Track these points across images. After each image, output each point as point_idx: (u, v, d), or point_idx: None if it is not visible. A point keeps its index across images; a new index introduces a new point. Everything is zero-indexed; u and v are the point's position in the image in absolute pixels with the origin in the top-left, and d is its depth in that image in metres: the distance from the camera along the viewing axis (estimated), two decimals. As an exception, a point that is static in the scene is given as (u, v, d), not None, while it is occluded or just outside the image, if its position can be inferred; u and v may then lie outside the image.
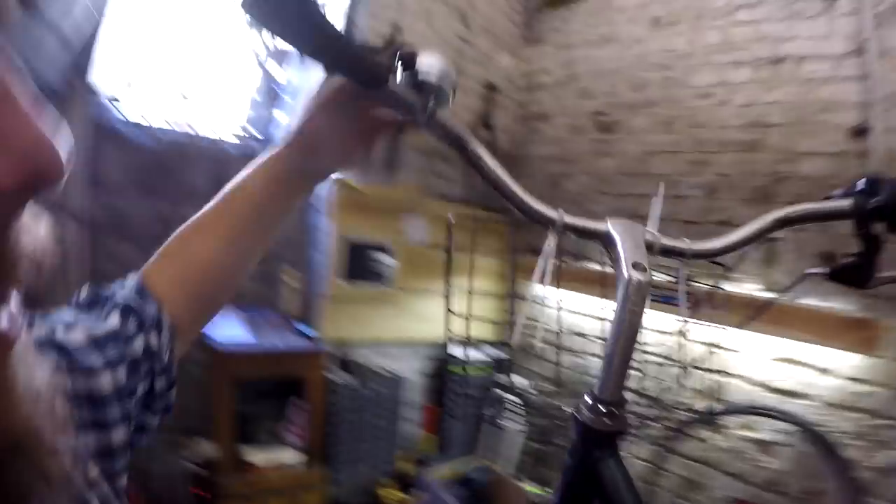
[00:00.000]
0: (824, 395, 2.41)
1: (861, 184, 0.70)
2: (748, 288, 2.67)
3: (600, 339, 3.05)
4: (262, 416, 2.85)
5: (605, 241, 0.66)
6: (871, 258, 0.71)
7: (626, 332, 0.58)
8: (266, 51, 3.15)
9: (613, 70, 3.35)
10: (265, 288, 3.18)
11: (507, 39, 3.77)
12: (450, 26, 3.43)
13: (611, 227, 0.65)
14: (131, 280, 0.61)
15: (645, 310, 0.58)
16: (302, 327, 2.97)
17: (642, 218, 0.72)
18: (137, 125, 2.77)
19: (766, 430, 2.56)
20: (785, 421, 2.43)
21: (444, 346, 3.22)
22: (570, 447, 0.62)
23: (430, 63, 0.60)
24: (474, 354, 3.38)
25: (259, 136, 3.20)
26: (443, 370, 3.38)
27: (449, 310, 2.60)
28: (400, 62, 0.60)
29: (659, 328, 2.82)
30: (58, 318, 0.51)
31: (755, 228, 0.74)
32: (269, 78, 3.21)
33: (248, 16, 0.47)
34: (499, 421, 3.35)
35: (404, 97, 0.59)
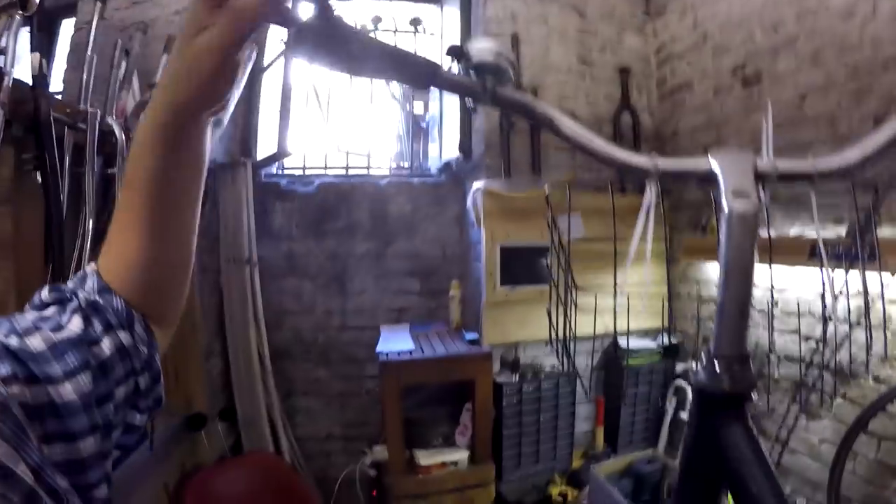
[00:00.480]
0: None
1: None
2: None
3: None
4: (433, 420, 3.06)
5: (709, 179, 0.60)
6: None
7: (736, 275, 0.52)
8: (402, 90, 3.47)
9: (744, 16, 3.00)
10: (432, 303, 3.44)
11: (628, 19, 3.61)
12: (567, 22, 3.43)
13: (713, 161, 0.60)
14: (90, 274, 0.58)
15: (755, 243, 0.52)
16: (468, 334, 3.14)
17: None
18: (298, 177, 3.26)
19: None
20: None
21: (612, 338, 3.15)
22: (689, 416, 0.57)
23: (480, 48, 0.62)
24: (643, 343, 3.23)
25: (407, 167, 3.51)
26: (612, 362, 3.29)
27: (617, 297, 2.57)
28: (450, 56, 0.64)
29: (841, 289, 2.52)
30: (15, 323, 0.48)
31: (882, 139, 0.61)
32: (409, 113, 3.53)
33: (295, 52, 0.53)
34: (673, 410, 3.15)
35: (460, 82, 0.63)
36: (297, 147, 3.05)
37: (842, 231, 2.51)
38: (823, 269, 2.37)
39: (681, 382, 3.17)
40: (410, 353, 2.91)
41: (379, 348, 2.96)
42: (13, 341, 0.45)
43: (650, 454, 3.07)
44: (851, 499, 2.40)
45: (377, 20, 3.38)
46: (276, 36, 2.86)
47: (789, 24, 2.81)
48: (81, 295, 0.54)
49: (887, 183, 2.28)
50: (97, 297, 0.55)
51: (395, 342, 3.04)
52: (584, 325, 3.16)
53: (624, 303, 2.79)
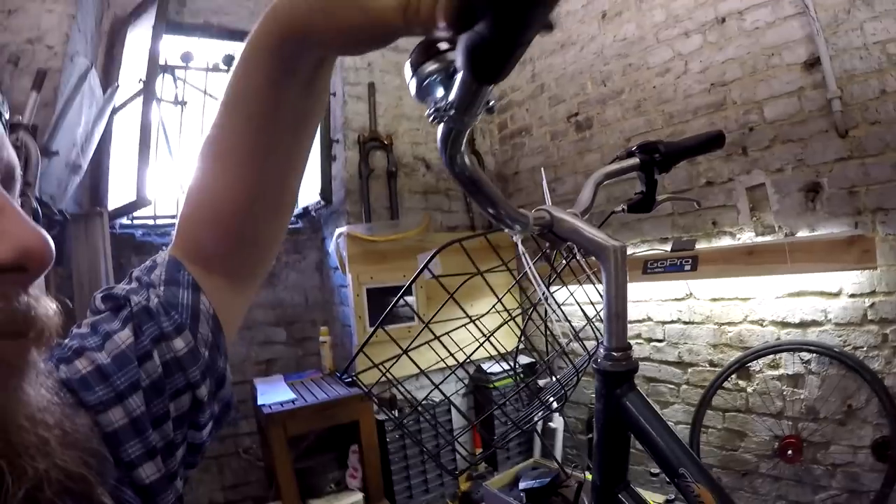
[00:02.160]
0: (837, 316, 2.42)
1: (638, 147, 1.00)
2: (744, 237, 2.70)
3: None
4: (323, 468, 2.94)
5: (554, 225, 0.75)
6: (651, 192, 1.01)
7: (619, 289, 0.68)
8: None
9: (577, 71, 3.35)
10: (300, 351, 3.32)
11: None
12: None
13: (553, 213, 0.74)
14: (160, 262, 0.54)
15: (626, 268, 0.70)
16: (344, 377, 3.07)
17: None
18: (152, 227, 2.98)
19: (792, 365, 2.55)
20: (808, 351, 2.47)
21: (477, 364, 3.27)
22: (597, 394, 0.72)
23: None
24: (506, 366, 3.40)
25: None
26: (479, 388, 3.42)
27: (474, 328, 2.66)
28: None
29: (670, 296, 2.88)
30: (66, 347, 0.46)
31: (595, 182, 0.96)
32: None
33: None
34: (542, 422, 3.35)
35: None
36: (154, 195, 2.79)
37: (668, 247, 2.92)
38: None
39: (545, 396, 3.36)
40: (293, 402, 2.77)
41: (260, 401, 2.79)
42: (62, 371, 0.44)
43: (532, 462, 3.20)
44: (711, 465, 2.77)
45: (229, 60, 3.19)
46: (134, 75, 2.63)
47: (616, 78, 3.18)
48: (135, 300, 0.50)
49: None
50: (156, 295, 0.51)
51: (274, 394, 2.88)
52: (449, 356, 3.26)
53: (485, 330, 2.90)
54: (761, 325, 2.65)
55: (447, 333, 1.00)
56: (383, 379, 1.00)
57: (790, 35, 2.51)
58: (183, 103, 3.05)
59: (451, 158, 0.54)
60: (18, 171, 0.39)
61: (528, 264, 1.06)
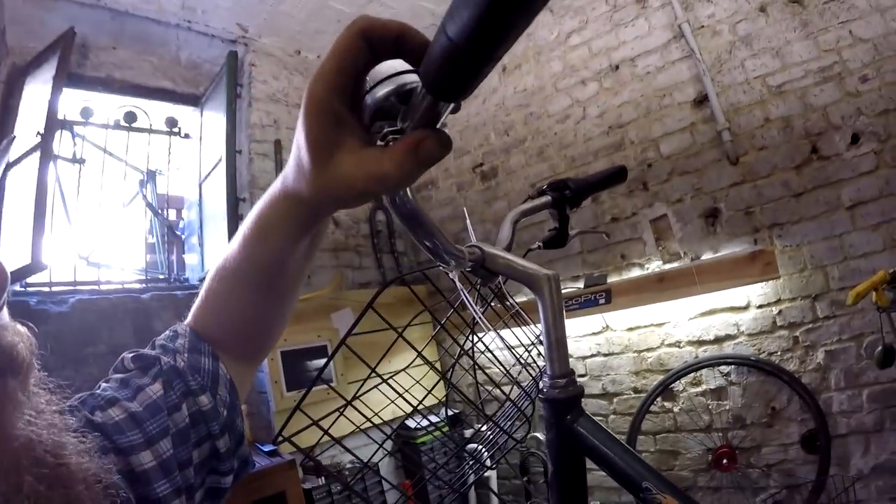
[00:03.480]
0: (749, 328, 2.59)
1: (549, 185, 1.00)
2: (652, 266, 2.82)
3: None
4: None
5: (486, 260, 0.71)
6: (564, 227, 1.01)
7: (556, 316, 0.67)
8: (155, 197, 3.13)
9: (480, 123, 3.46)
10: (215, 421, 3.03)
11: None
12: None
13: (485, 249, 0.70)
14: (182, 332, 0.57)
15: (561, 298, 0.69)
16: (263, 446, 2.83)
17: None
18: (48, 294, 2.67)
19: (713, 379, 2.66)
20: (726, 364, 2.60)
21: (401, 421, 3.12)
22: (546, 424, 0.69)
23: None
24: (431, 419, 3.29)
25: (163, 278, 3.12)
26: (408, 443, 3.28)
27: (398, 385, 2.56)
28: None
29: (588, 331, 2.93)
30: (98, 397, 0.49)
31: (511, 221, 0.94)
32: (164, 220, 3.18)
33: None
34: (473, 472, 3.24)
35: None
36: (50, 259, 2.48)
37: (580, 284, 2.99)
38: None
39: (473, 446, 3.25)
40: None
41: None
42: (97, 416, 0.46)
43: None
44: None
45: (131, 117, 3.00)
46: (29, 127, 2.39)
47: (518, 127, 3.31)
48: (165, 359, 0.53)
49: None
50: (182, 361, 0.54)
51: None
52: (372, 416, 3.12)
53: (404, 385, 2.83)
54: (679, 346, 2.76)
55: (370, 390, 0.94)
56: (309, 444, 0.89)
57: (679, 76, 2.75)
58: (81, 161, 2.80)
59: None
60: None
61: (466, 298, 1.06)
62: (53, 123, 2.35)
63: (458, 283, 1.06)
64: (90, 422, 0.45)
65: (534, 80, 3.24)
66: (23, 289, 2.64)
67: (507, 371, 1.05)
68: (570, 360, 0.67)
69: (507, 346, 1.08)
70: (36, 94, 2.47)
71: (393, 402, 0.97)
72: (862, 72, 2.45)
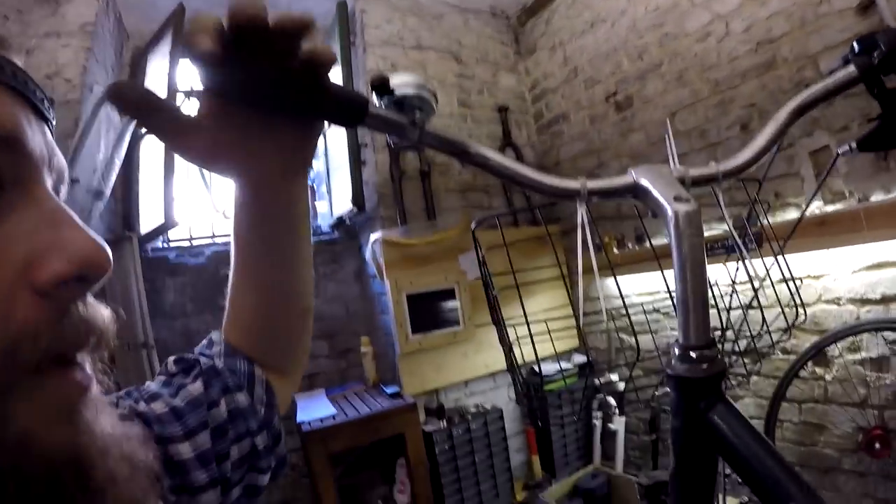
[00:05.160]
0: None
1: (856, 46, 0.66)
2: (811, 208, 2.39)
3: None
4: (369, 484, 2.80)
5: (637, 192, 0.60)
6: (890, 116, 0.66)
7: (693, 269, 0.53)
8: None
9: (611, 49, 3.13)
10: (343, 363, 3.19)
11: (502, 61, 3.70)
12: (445, 68, 3.42)
13: (636, 176, 0.60)
14: (217, 340, 0.61)
15: (703, 240, 0.53)
16: (386, 388, 2.93)
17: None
18: (186, 248, 2.93)
19: (875, 346, 2.22)
20: (892, 329, 2.14)
21: (529, 367, 3.07)
22: (673, 407, 0.56)
23: (403, 80, 0.56)
24: (559, 366, 3.18)
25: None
26: (533, 391, 3.20)
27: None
28: (373, 90, 0.56)
29: (734, 279, 2.60)
30: (143, 391, 0.53)
31: (776, 126, 0.67)
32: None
33: (209, 89, 0.45)
34: (601, 423, 3.10)
35: (389, 119, 0.55)
36: (182, 216, 2.73)
37: (725, 227, 2.62)
38: (746, 260, 2.45)
39: (602, 396, 3.12)
40: (333, 417, 2.64)
41: (299, 418, 2.67)
42: (141, 406, 0.50)
43: (591, 470, 2.96)
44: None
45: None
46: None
47: (653, 50, 2.94)
48: (204, 360, 0.57)
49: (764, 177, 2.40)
50: (220, 362, 0.57)
51: (314, 409, 2.75)
52: (498, 361, 3.09)
53: (536, 331, 2.74)
54: (838, 304, 2.34)
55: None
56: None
57: (839, -22, 2.23)
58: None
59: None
60: (67, 176, 0.40)
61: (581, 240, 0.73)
62: (173, 92, 2.52)
63: (582, 218, 0.77)
64: (134, 410, 0.49)
65: (668, -6, 2.84)
66: (164, 245, 2.92)
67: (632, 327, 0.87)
68: (712, 311, 0.50)
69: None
70: (157, 69, 2.67)
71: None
72: None
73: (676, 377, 0.54)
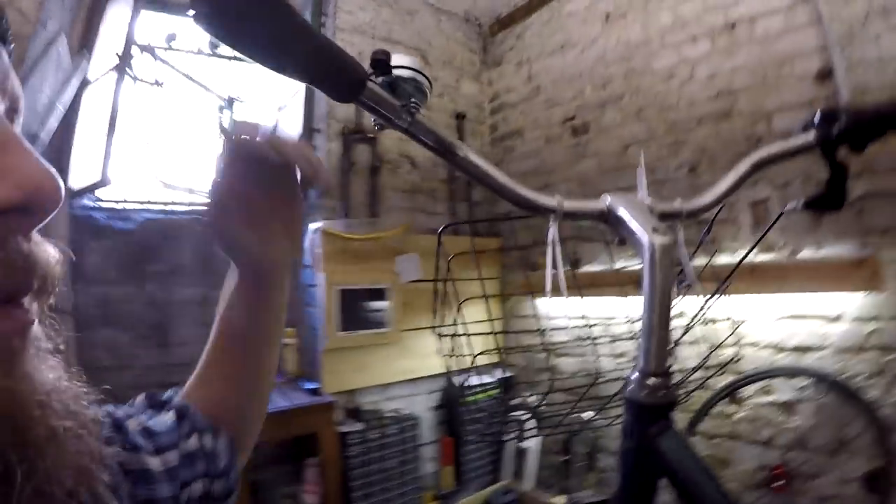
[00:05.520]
0: (836, 342, 2.26)
1: (818, 116, 0.73)
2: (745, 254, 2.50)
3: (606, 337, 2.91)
4: (277, 482, 2.69)
5: (610, 218, 0.62)
6: (841, 182, 0.74)
7: (661, 300, 0.55)
8: (231, 122, 3.13)
9: (576, 73, 3.19)
10: (265, 351, 3.06)
11: (467, 68, 3.70)
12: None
13: (611, 202, 0.62)
14: (179, 396, 0.60)
15: (675, 272, 0.58)
16: (306, 384, 2.83)
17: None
18: (116, 211, 2.74)
19: (786, 390, 2.37)
20: (802, 376, 2.30)
21: (449, 377, 3.07)
22: (624, 430, 0.58)
23: (402, 61, 0.55)
24: (481, 379, 3.18)
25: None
26: (452, 401, 3.20)
27: (448, 339, 2.47)
28: (372, 66, 0.54)
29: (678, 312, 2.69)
30: (119, 409, 0.53)
31: (737, 175, 0.75)
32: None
33: (203, 26, 0.42)
34: (514, 441, 3.12)
35: (385, 99, 0.54)
36: (118, 176, 2.53)
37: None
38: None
39: (518, 414, 3.13)
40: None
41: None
42: (119, 412, 0.52)
43: (504, 486, 2.97)
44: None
45: (214, 45, 2.98)
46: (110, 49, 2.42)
47: (617, 82, 3.01)
48: (176, 400, 0.57)
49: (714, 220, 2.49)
50: (191, 405, 0.57)
51: (228, 396, 2.63)
52: (420, 368, 3.11)
53: (460, 341, 2.74)
54: (756, 347, 2.47)
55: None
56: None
57: (803, 44, 2.37)
58: (160, 84, 2.83)
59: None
60: (22, 104, 0.38)
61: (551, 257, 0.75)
62: (130, 44, 2.36)
63: (552, 237, 0.82)
64: (109, 414, 0.50)
65: (639, 31, 2.91)
66: (94, 204, 2.72)
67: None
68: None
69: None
70: (118, 17, 2.50)
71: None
72: None
73: (633, 401, 0.56)
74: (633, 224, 0.58)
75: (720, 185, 0.74)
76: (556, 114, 3.29)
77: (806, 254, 2.35)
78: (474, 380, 3.04)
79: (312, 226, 2.90)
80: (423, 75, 0.56)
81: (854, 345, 2.21)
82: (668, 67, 2.80)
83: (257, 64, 0.47)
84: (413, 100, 0.55)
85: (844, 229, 2.24)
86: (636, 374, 0.56)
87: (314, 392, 2.76)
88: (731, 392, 2.46)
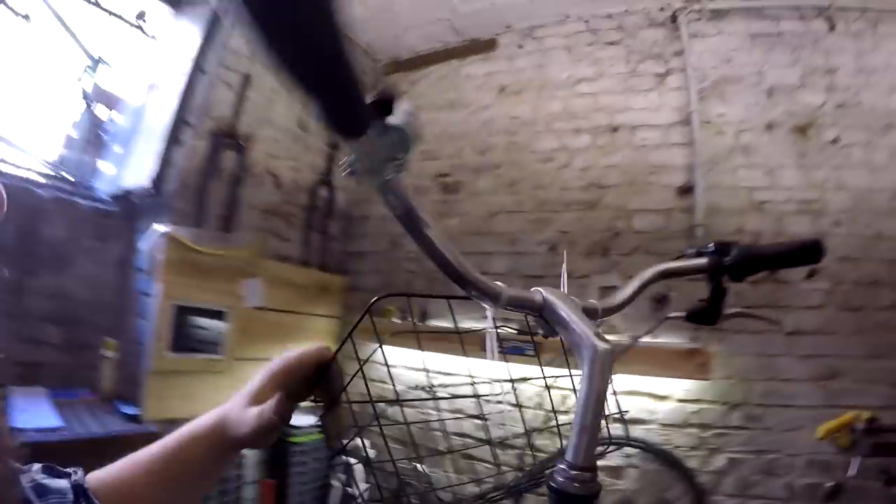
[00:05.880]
0: (663, 417, 2.67)
1: (711, 246, 0.86)
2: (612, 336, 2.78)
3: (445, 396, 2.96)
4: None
5: (545, 312, 0.63)
6: (718, 301, 0.88)
7: (596, 400, 0.58)
8: (95, 87, 2.68)
9: (459, 134, 3.33)
10: (78, 363, 2.59)
11: None
12: (295, 81, 3.19)
13: (545, 296, 0.63)
14: (77, 474, 0.59)
15: (611, 377, 0.59)
16: (123, 407, 2.45)
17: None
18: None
19: (615, 456, 2.63)
20: (632, 446, 2.58)
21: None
22: None
23: (406, 111, 0.48)
24: (306, 419, 3.03)
25: (72, 180, 2.67)
26: (278, 441, 2.99)
27: None
28: (376, 104, 0.47)
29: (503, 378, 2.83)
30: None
31: (643, 280, 0.81)
32: (92, 117, 2.73)
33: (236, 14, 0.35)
34: (343, 487, 3.02)
35: (380, 147, 0.48)
36: None
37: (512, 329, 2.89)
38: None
39: (345, 458, 3.02)
40: (60, 431, 2.10)
41: (17, 423, 2.06)
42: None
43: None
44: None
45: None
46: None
47: (497, 152, 3.20)
48: (74, 477, 0.57)
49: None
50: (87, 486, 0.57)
51: (35, 415, 2.16)
52: None
53: None
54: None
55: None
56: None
57: (672, 160, 2.78)
58: (26, 17, 2.33)
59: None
60: None
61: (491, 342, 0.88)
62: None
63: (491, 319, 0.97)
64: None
65: (529, 111, 3.16)
66: None
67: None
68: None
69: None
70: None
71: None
72: (837, 216, 2.65)
73: (559, 490, 0.59)
74: (577, 326, 0.61)
75: (628, 288, 0.81)
76: (430, 167, 3.37)
77: (643, 340, 2.68)
78: (301, 419, 2.89)
79: (159, 227, 2.57)
80: (416, 127, 0.50)
81: (678, 421, 2.62)
82: (549, 150, 3.07)
83: (269, 55, 0.39)
84: (400, 155, 0.50)
85: (678, 322, 2.64)
86: (564, 466, 0.59)
87: (133, 419, 2.41)
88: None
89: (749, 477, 2.55)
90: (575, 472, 0.56)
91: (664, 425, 2.65)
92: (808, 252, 0.87)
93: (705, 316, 0.89)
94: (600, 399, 0.56)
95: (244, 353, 2.85)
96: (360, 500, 2.91)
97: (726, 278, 0.86)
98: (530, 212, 3.06)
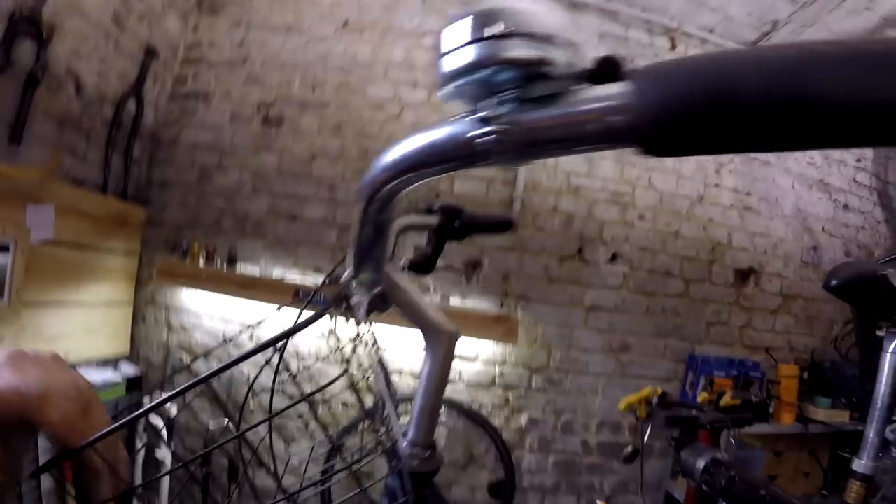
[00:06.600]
0: (471, 378, 2.85)
1: (441, 207, 0.90)
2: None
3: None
4: None
5: (386, 290, 0.66)
6: (436, 255, 0.90)
7: (437, 382, 0.65)
8: None
9: (290, 63, 3.08)
10: None
11: (180, 1, 3.12)
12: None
13: (391, 276, 0.67)
14: None
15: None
16: None
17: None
18: None
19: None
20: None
21: (72, 367, 2.50)
22: (390, 490, 0.66)
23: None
24: (104, 375, 2.68)
25: None
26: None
27: None
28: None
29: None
30: None
31: (394, 234, 0.84)
32: None
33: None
34: (145, 449, 2.69)
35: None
36: None
37: (319, 279, 2.80)
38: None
39: (154, 420, 2.68)
40: None
41: None
42: None
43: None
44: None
45: None
46: None
47: (327, 89, 3.02)
48: None
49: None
50: None
51: None
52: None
53: (81, 324, 2.60)
54: (399, 374, 2.78)
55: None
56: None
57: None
58: None
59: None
60: None
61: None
62: None
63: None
64: None
65: (369, 53, 3.01)
66: None
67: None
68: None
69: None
70: None
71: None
72: (643, 211, 2.94)
73: (409, 468, 0.65)
74: (432, 312, 0.68)
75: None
76: (254, 94, 3.07)
77: (454, 302, 2.83)
78: (94, 375, 2.58)
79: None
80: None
81: (484, 382, 2.83)
82: (382, 98, 2.95)
83: None
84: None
85: (490, 289, 2.76)
86: (406, 444, 0.65)
87: None
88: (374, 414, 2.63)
89: (549, 434, 2.89)
90: (418, 451, 0.64)
91: (471, 385, 2.83)
92: (505, 224, 1.01)
93: (424, 266, 0.90)
94: (444, 381, 0.63)
95: (34, 297, 2.37)
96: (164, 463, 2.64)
97: (448, 237, 0.91)
98: (353, 160, 2.93)
